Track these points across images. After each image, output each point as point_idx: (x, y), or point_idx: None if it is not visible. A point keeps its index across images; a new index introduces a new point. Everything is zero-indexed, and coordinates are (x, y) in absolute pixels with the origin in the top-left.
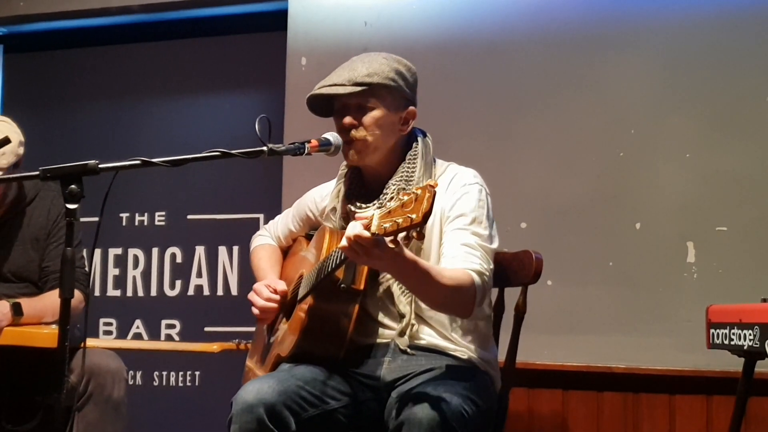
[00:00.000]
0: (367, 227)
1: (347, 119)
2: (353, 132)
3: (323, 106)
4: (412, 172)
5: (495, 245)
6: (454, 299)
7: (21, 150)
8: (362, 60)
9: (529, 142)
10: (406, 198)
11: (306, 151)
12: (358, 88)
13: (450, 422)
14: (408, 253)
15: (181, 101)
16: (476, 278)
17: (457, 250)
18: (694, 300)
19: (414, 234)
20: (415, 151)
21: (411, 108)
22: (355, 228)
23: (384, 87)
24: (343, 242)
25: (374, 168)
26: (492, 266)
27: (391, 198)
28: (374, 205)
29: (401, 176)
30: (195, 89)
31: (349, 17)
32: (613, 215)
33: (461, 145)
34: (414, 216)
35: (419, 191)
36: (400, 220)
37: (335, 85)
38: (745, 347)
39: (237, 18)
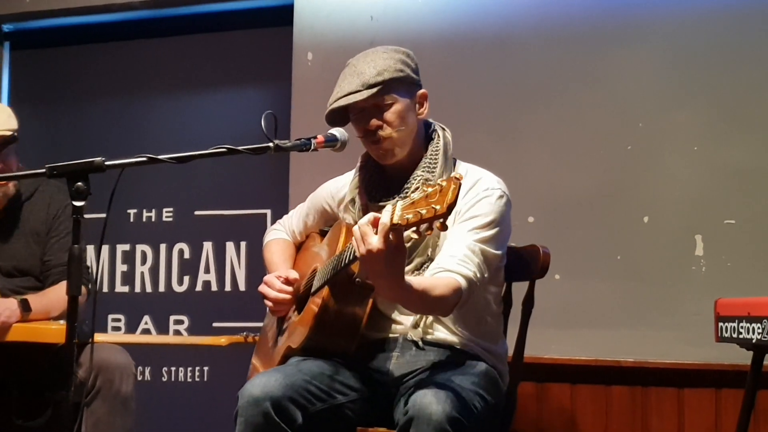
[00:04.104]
0: (375, 224)
1: (373, 122)
2: (380, 132)
3: (339, 116)
4: (434, 165)
5: (499, 252)
6: (435, 311)
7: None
8: (365, 61)
9: (537, 137)
10: (430, 189)
11: (312, 147)
12: (374, 90)
13: (460, 417)
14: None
15: (187, 97)
16: (464, 285)
17: (458, 251)
18: (703, 293)
19: (438, 225)
20: (437, 145)
21: (422, 91)
22: (367, 217)
23: (395, 80)
24: (354, 230)
25: (399, 161)
26: (488, 274)
27: (415, 189)
28: (395, 199)
29: (425, 168)
30: (201, 85)
31: (355, 11)
32: (621, 209)
33: (468, 139)
34: (438, 207)
35: (444, 183)
36: (423, 211)
37: (350, 93)
38: (754, 340)
39: (242, 13)
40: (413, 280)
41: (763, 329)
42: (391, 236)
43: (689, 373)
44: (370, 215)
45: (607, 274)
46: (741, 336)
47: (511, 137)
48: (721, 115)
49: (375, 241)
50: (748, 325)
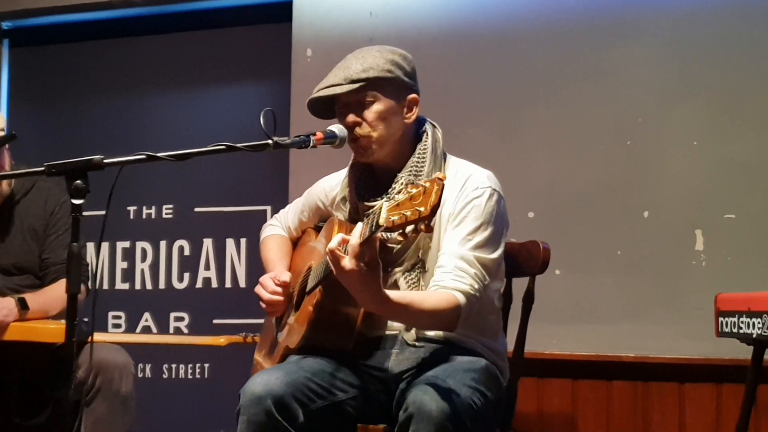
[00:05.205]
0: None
1: (350, 117)
2: (357, 129)
3: (325, 108)
4: (422, 165)
5: (496, 255)
6: (434, 325)
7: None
8: (356, 57)
9: (537, 132)
10: (414, 191)
11: (311, 144)
12: (355, 86)
13: (459, 414)
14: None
15: (186, 94)
16: (462, 300)
17: (451, 264)
18: (703, 288)
19: (422, 227)
20: (425, 144)
21: (412, 95)
22: (338, 239)
23: (381, 80)
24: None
25: (384, 161)
26: (487, 281)
27: (399, 191)
28: (383, 198)
29: (410, 170)
30: (200, 82)
31: (355, 7)
32: (621, 204)
33: (469, 135)
34: (422, 209)
35: (428, 184)
36: (408, 213)
37: (332, 86)
38: (754, 335)
39: (242, 9)
40: (395, 294)
41: (763, 324)
42: (364, 253)
43: (690, 368)
44: (339, 237)
45: (608, 269)
46: (741, 331)
47: (511, 133)
48: (721, 110)
49: (347, 263)
50: (749, 319)
